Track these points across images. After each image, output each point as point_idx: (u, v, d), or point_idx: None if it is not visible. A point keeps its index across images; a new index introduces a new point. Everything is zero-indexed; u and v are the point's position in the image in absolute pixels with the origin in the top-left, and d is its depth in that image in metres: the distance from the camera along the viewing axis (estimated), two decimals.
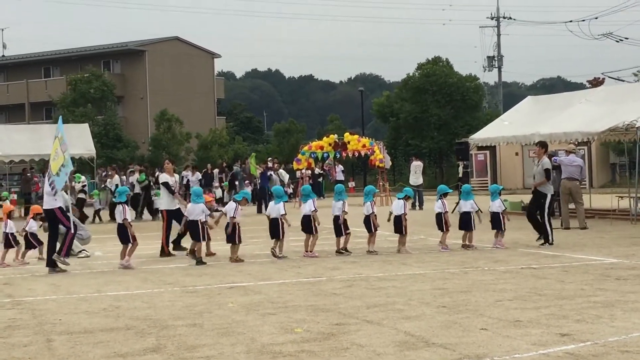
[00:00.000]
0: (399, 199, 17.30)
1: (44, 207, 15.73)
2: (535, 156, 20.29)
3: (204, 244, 16.27)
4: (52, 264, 15.22)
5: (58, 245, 15.31)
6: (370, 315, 9.72)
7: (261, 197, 33.74)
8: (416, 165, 34.13)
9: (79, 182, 30.96)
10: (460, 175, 30.54)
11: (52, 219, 15.41)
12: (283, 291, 11.92)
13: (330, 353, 7.82)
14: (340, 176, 43.14)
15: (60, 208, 15.29)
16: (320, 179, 43.42)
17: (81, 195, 30.28)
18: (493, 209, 17.45)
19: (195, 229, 15.85)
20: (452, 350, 7.76)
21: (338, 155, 37.03)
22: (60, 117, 17.25)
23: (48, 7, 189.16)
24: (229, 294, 11.79)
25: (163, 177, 18.06)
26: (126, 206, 15.96)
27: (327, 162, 41.46)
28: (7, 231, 17.02)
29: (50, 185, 15.31)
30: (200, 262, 15.69)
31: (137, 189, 32.16)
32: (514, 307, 10.00)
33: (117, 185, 31.40)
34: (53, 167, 15.42)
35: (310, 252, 16.51)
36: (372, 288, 11.98)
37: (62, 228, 15.50)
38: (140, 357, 7.92)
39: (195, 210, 15.96)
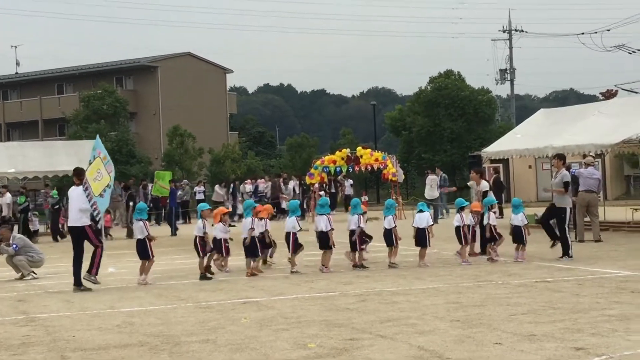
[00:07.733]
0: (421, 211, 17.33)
1: (70, 224, 15.37)
2: (550, 168, 20.18)
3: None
4: (79, 283, 14.91)
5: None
6: (383, 330, 9.69)
7: (170, 218, 31.96)
8: (432, 179, 34.19)
9: None
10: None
11: (78, 236, 15.06)
12: (296, 306, 11.91)
13: None
14: (349, 190, 42.76)
15: (90, 226, 15.00)
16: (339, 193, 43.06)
17: None
18: (515, 222, 17.41)
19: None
20: None
21: (351, 170, 36.95)
22: (98, 136, 16.78)
23: (60, 24, 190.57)
24: (242, 310, 11.79)
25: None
26: (147, 222, 15.94)
27: (339, 177, 41.33)
28: (220, 236, 16.46)
29: (92, 206, 15.06)
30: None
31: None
32: (528, 321, 9.95)
33: (8, 205, 31.01)
34: (95, 188, 15.17)
35: (326, 267, 16.45)
36: (386, 302, 11.96)
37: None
38: None
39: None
